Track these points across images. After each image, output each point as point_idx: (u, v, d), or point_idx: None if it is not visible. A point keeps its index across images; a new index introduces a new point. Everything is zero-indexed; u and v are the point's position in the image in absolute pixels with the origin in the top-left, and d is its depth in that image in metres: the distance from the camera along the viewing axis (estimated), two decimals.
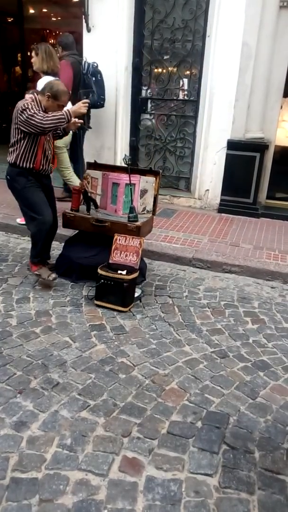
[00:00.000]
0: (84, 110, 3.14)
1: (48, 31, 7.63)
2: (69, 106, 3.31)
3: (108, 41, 5.18)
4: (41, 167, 3.15)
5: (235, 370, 2.43)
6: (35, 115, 2.90)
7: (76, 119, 3.13)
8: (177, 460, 1.78)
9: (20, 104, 2.97)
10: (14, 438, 1.84)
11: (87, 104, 3.16)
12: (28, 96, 3.05)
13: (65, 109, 3.04)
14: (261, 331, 2.87)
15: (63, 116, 2.98)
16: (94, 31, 5.23)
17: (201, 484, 1.68)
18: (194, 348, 2.62)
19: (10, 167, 3.17)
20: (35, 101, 3.02)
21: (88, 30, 5.24)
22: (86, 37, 5.30)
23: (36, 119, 2.90)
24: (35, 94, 3.08)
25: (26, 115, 2.89)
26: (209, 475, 1.72)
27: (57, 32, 7.56)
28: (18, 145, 3.07)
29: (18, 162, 3.10)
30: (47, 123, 2.92)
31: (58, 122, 2.97)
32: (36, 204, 3.24)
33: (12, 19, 8.57)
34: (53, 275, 3.33)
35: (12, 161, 3.12)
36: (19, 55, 8.17)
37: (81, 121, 3.24)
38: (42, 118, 2.91)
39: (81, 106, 3.12)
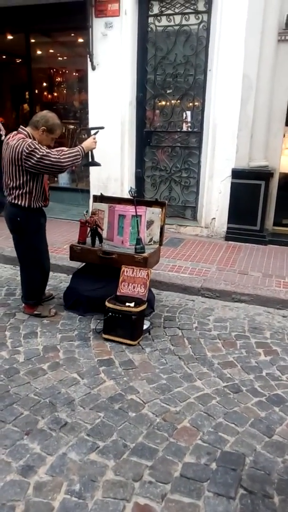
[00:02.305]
0: (95, 146, 3.11)
1: (54, 70, 7.92)
2: None
3: (112, 78, 5.35)
4: (48, 202, 3.17)
5: (249, 405, 2.34)
6: (49, 154, 2.80)
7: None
8: (191, 507, 1.69)
9: (20, 146, 2.78)
10: (21, 484, 1.77)
11: (96, 140, 3.12)
12: (20, 135, 2.89)
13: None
14: (274, 363, 2.78)
15: (78, 152, 2.93)
16: (98, 68, 5.41)
17: None
18: (205, 382, 2.54)
19: (20, 209, 2.99)
20: (28, 137, 2.88)
21: (93, 68, 5.43)
22: (91, 75, 5.48)
23: (52, 159, 2.80)
24: (24, 130, 2.92)
25: (38, 156, 2.77)
26: None
27: (64, 71, 7.85)
28: (27, 187, 2.93)
29: (31, 205, 3.00)
30: (65, 160, 2.85)
31: (75, 159, 2.91)
32: (43, 251, 3.25)
33: (20, 60, 8.95)
34: (53, 310, 3.32)
35: (26, 205, 2.98)
36: (27, 93, 8.45)
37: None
38: (58, 156, 2.82)
39: (93, 142, 3.08)
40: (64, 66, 7.74)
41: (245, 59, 4.72)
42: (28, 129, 2.95)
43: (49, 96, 8.06)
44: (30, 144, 2.79)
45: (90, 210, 3.74)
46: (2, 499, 1.69)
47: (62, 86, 7.91)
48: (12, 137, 2.93)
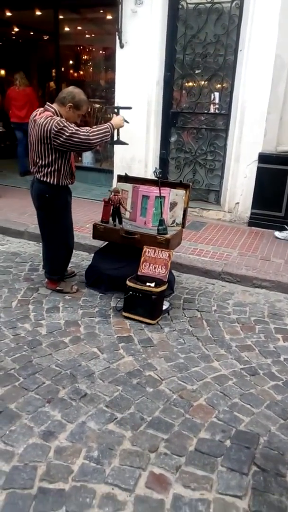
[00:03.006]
0: (123, 124, 3.10)
1: (82, 47, 7.86)
2: None
3: (140, 56, 5.28)
4: (74, 179, 3.20)
5: (266, 388, 2.36)
6: (78, 132, 2.79)
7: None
8: (205, 479, 1.74)
9: (49, 124, 2.77)
10: (42, 447, 1.85)
11: (124, 120, 3.11)
12: (47, 113, 2.88)
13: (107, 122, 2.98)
14: None
15: (108, 129, 2.92)
16: (126, 47, 5.35)
17: (230, 506, 1.63)
18: (223, 364, 2.57)
19: (49, 187, 3.01)
20: (56, 114, 2.87)
21: (121, 46, 5.36)
22: (119, 53, 5.42)
23: (81, 136, 2.79)
24: (51, 107, 2.91)
25: (67, 134, 2.76)
26: (238, 497, 1.67)
27: (91, 48, 7.77)
28: (56, 165, 2.94)
29: (60, 182, 3.02)
30: (94, 138, 2.84)
31: (104, 136, 2.90)
32: (69, 229, 3.31)
33: (48, 36, 8.90)
34: (75, 287, 3.39)
35: (55, 183, 3.00)
36: (53, 70, 8.43)
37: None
38: (87, 133, 2.81)
39: (121, 120, 3.07)
40: (92, 43, 7.67)
41: (279, 39, 4.58)
42: (54, 105, 2.95)
43: (76, 74, 8.02)
44: (59, 122, 2.79)
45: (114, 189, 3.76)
46: (24, 459, 1.78)
47: (89, 64, 7.85)
48: (39, 114, 2.93)
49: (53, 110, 2.92)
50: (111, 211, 3.43)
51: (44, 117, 2.86)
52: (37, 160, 2.99)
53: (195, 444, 1.92)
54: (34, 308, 3.11)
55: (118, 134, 3.20)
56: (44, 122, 2.82)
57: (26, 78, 7.02)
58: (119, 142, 3.23)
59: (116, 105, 3.24)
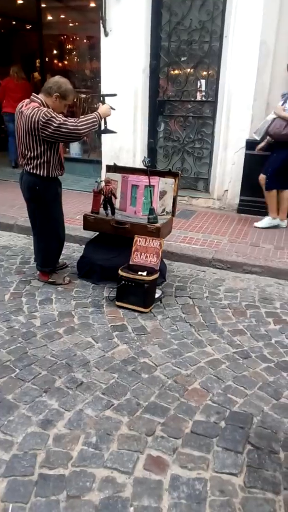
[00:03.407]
0: (110, 113, 3.08)
1: (66, 36, 7.74)
2: None
3: (125, 44, 5.23)
4: (64, 170, 3.19)
5: (258, 370, 2.42)
6: (66, 122, 2.77)
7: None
8: (201, 459, 1.79)
9: (36, 115, 2.76)
10: (41, 435, 1.88)
11: (111, 108, 3.09)
12: (34, 104, 2.86)
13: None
14: (283, 331, 2.84)
15: (95, 119, 2.90)
16: (111, 35, 5.29)
17: (226, 483, 1.69)
18: (216, 348, 2.62)
19: (39, 179, 3.01)
20: (42, 105, 2.86)
21: (106, 34, 5.30)
22: (104, 41, 5.37)
23: (70, 126, 2.78)
24: (37, 98, 2.89)
25: (55, 125, 2.75)
26: (234, 474, 1.73)
27: (75, 37, 7.66)
28: (45, 157, 2.93)
29: (50, 174, 3.02)
30: (83, 127, 2.82)
31: (92, 125, 2.88)
32: (59, 220, 3.30)
33: (31, 26, 8.74)
34: (67, 278, 3.40)
35: (45, 174, 2.99)
36: (37, 61, 8.31)
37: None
38: (75, 123, 2.80)
39: (108, 109, 3.05)
40: (76, 32, 7.56)
41: (263, 25, 4.57)
42: (41, 96, 2.92)
43: (60, 64, 7.91)
44: (46, 113, 2.77)
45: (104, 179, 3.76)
46: (24, 447, 1.81)
47: (74, 53, 7.75)
48: (26, 106, 2.90)
49: (39, 101, 2.89)
50: (102, 201, 3.43)
51: (31, 108, 2.83)
52: (26, 152, 2.97)
53: (190, 427, 1.97)
54: (27, 301, 3.11)
55: (105, 123, 3.18)
56: (31, 113, 2.79)
57: (23, 72, 6.99)
58: (107, 131, 3.22)
59: (101, 93, 3.21)
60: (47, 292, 3.26)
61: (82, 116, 2.92)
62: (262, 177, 4.59)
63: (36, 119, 2.77)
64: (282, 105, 4.32)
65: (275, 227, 4.69)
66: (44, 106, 2.88)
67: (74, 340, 2.64)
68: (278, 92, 4.79)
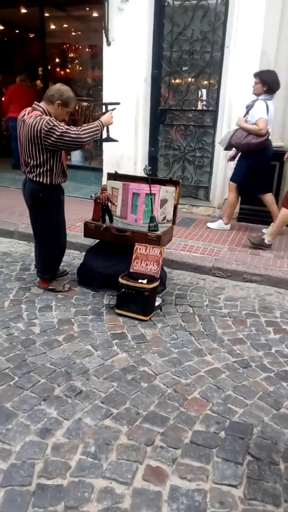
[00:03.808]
0: (112, 121, 3.08)
1: (68, 45, 7.82)
2: None
3: (127, 54, 5.28)
4: (66, 177, 3.20)
5: (258, 380, 2.40)
6: (68, 130, 2.78)
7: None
8: (201, 470, 1.77)
9: (38, 124, 2.76)
10: (39, 445, 1.87)
11: (113, 116, 3.10)
12: (36, 112, 2.87)
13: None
14: (283, 341, 2.83)
15: (98, 127, 2.91)
16: (113, 44, 5.35)
17: (226, 495, 1.67)
18: (215, 357, 2.61)
19: (42, 186, 3.02)
20: (44, 113, 2.86)
21: (108, 43, 5.36)
22: (106, 50, 5.42)
23: (72, 135, 2.79)
24: (39, 106, 2.90)
25: (57, 134, 2.76)
26: (233, 486, 1.71)
27: (78, 46, 7.74)
28: (48, 165, 2.94)
29: (53, 181, 3.03)
30: (85, 136, 2.83)
31: (95, 134, 2.90)
32: (61, 227, 3.31)
33: (34, 34, 8.84)
34: (67, 285, 3.40)
35: (48, 182, 3.00)
36: (40, 69, 8.38)
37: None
38: (78, 132, 2.81)
39: (110, 117, 3.06)
40: (79, 41, 7.64)
41: (264, 35, 4.62)
42: (42, 104, 2.93)
43: (63, 72, 7.99)
44: (48, 121, 2.78)
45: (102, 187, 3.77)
46: (22, 457, 1.80)
47: (76, 62, 7.83)
48: (28, 114, 2.91)
49: (41, 109, 2.90)
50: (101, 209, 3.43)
51: (33, 116, 2.84)
52: (29, 161, 2.98)
53: (190, 437, 1.96)
54: (27, 308, 3.11)
55: (108, 132, 3.19)
56: (34, 122, 2.81)
57: (29, 80, 7.24)
58: (110, 139, 3.24)
59: (103, 101, 3.23)
60: (47, 299, 3.25)
61: (85, 125, 2.94)
62: (231, 184, 4.72)
63: (39, 127, 2.78)
64: (244, 116, 4.41)
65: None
66: (46, 114, 2.89)
67: (74, 348, 2.63)
68: (278, 103, 4.84)
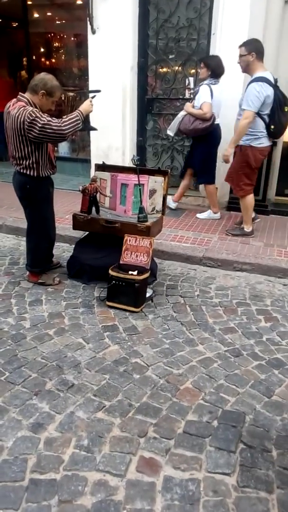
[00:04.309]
0: (92, 109, 3.03)
1: (52, 34, 7.65)
2: None
3: (113, 42, 5.19)
4: (55, 169, 3.18)
5: (250, 368, 2.41)
6: (50, 122, 2.75)
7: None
8: (194, 460, 1.78)
9: (22, 115, 2.74)
10: (32, 439, 1.85)
11: (92, 104, 3.04)
12: (20, 103, 2.83)
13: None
14: (274, 329, 2.85)
15: (78, 117, 2.88)
16: (98, 32, 5.24)
17: (219, 483, 1.68)
18: (207, 347, 2.61)
19: (30, 178, 3.00)
20: (29, 104, 2.83)
21: (93, 32, 5.26)
22: (91, 39, 5.32)
23: (54, 127, 2.75)
24: (24, 97, 2.86)
25: (39, 126, 2.73)
26: (227, 474, 1.72)
27: (62, 35, 7.58)
28: (34, 157, 2.92)
29: (40, 174, 3.01)
30: (67, 128, 2.80)
31: (76, 124, 2.86)
32: (49, 220, 3.28)
33: (17, 23, 8.62)
34: (57, 279, 3.38)
35: (35, 175, 2.99)
36: (24, 59, 8.20)
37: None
38: (59, 124, 2.77)
39: (90, 105, 3.00)
40: (63, 30, 7.47)
41: (251, 22, 4.56)
42: (27, 95, 2.89)
43: (48, 62, 7.82)
44: (31, 112, 2.74)
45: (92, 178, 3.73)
46: (15, 452, 1.78)
47: (61, 51, 7.66)
48: (13, 105, 2.87)
49: (25, 100, 2.86)
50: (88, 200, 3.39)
51: (17, 107, 2.80)
52: (14, 153, 2.94)
53: (183, 427, 1.96)
54: (17, 302, 3.07)
55: (88, 120, 3.09)
56: (17, 114, 2.77)
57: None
58: (89, 128, 3.16)
59: (85, 90, 3.19)
60: (36, 293, 3.22)
61: (65, 116, 2.88)
62: (190, 171, 4.80)
63: (22, 119, 2.75)
64: (191, 102, 4.40)
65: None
66: (31, 105, 2.84)
67: (65, 341, 2.61)
68: None
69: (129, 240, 3.17)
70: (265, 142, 4.00)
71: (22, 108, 2.78)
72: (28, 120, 2.73)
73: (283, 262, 3.74)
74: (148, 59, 5.41)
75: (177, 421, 1.99)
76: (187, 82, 5.34)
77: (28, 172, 2.98)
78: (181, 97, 5.42)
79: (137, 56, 5.35)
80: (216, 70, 4.34)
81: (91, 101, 3.02)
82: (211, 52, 4.96)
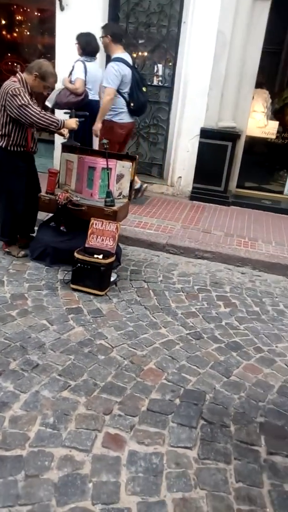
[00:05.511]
0: (75, 127, 3.24)
1: (16, 6, 7.31)
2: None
3: (82, 22, 5.04)
4: (31, 149, 3.23)
5: (210, 350, 2.53)
6: (30, 106, 2.92)
7: (65, 131, 3.25)
8: (157, 435, 1.86)
9: (8, 87, 2.94)
10: None
11: (78, 123, 3.26)
12: (14, 78, 3.04)
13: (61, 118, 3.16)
14: (233, 314, 2.98)
15: (57, 123, 3.06)
16: (67, 10, 5.09)
17: (181, 456, 1.76)
18: (170, 330, 2.69)
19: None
20: (21, 82, 3.01)
21: (62, 8, 5.10)
22: (59, 16, 5.15)
23: (31, 111, 2.93)
24: (20, 74, 3.06)
25: (18, 103, 2.90)
26: (188, 448, 1.81)
27: (26, 8, 7.26)
28: (7, 129, 3.06)
29: (9, 148, 3.11)
30: (41, 120, 2.97)
31: (50, 124, 3.04)
32: (14, 193, 3.28)
33: None
34: (22, 252, 3.45)
35: (3, 146, 3.09)
36: None
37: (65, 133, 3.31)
38: (38, 112, 2.95)
39: (75, 123, 3.22)
40: (29, 3, 7.16)
41: (221, 14, 4.63)
42: (24, 74, 3.08)
43: (9, 35, 7.48)
44: (16, 88, 2.93)
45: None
46: None
47: (24, 25, 7.34)
48: (10, 79, 3.08)
49: (19, 77, 3.06)
50: (55, 207, 3.30)
51: (10, 79, 3.03)
52: None
53: (147, 405, 2.03)
54: None
55: (71, 136, 3.39)
56: (7, 83, 2.99)
57: None
58: (71, 142, 3.44)
59: (73, 112, 3.43)
60: None
61: (49, 112, 3.10)
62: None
63: (6, 90, 2.94)
64: (69, 76, 4.49)
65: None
66: (23, 83, 3.03)
67: (28, 322, 2.59)
68: (232, 83, 4.92)
69: (95, 224, 3.17)
70: (125, 118, 4.39)
71: (13, 81, 3.00)
72: (10, 94, 2.91)
73: (242, 252, 3.90)
74: None
75: (141, 399, 2.06)
76: (155, 69, 5.34)
77: None
78: (149, 83, 5.40)
79: None
80: (86, 48, 4.42)
81: (76, 122, 3.25)
82: (181, 41, 4.99)
